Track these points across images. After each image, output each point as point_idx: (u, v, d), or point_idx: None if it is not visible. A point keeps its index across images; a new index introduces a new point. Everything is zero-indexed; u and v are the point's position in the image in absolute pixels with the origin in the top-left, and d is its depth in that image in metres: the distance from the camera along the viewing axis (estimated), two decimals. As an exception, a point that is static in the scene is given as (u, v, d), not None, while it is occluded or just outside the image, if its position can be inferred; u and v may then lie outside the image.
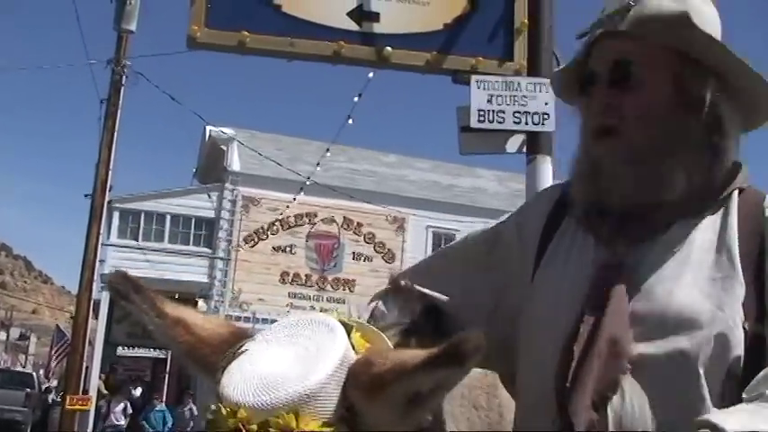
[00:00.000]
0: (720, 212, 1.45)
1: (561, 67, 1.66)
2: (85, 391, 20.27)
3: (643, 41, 1.46)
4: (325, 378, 1.29)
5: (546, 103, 5.98)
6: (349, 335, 1.38)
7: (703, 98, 1.44)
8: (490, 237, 1.73)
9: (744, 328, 1.33)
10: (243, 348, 1.41)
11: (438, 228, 25.99)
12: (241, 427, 1.25)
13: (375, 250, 25.33)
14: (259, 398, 1.27)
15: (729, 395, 1.30)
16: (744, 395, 1.26)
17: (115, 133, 19.27)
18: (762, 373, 1.27)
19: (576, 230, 1.55)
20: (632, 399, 1.36)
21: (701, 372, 1.31)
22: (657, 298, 1.38)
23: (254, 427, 1.25)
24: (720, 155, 1.46)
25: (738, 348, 1.32)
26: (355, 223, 25.09)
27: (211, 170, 26.59)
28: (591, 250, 1.49)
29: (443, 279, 1.69)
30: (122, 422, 14.92)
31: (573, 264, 1.52)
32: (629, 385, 1.35)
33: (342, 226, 24.97)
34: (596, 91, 1.49)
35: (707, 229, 1.43)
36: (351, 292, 24.07)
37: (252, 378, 1.32)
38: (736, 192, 1.47)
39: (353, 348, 1.36)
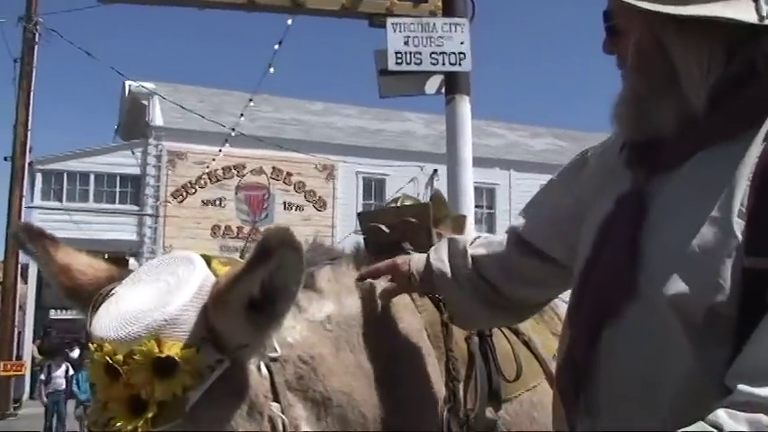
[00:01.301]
0: (749, 140, 1.35)
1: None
2: (19, 357, 19.95)
3: None
4: (183, 305, 1.39)
5: (462, 43, 6.05)
6: (209, 265, 1.48)
7: (666, 45, 1.41)
8: (578, 162, 1.85)
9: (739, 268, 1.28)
10: (112, 290, 1.51)
11: (368, 173, 26.04)
12: (107, 359, 1.34)
13: (306, 199, 25.27)
14: (121, 331, 1.36)
15: (714, 335, 1.29)
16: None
17: (31, 93, 18.67)
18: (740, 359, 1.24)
19: (621, 166, 1.58)
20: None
21: (688, 312, 1.31)
22: (662, 235, 1.38)
23: (120, 357, 1.34)
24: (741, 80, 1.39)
25: (726, 290, 1.28)
26: (285, 173, 24.94)
27: (134, 126, 25.99)
28: (625, 183, 1.52)
29: (537, 212, 1.93)
30: (65, 386, 14.75)
31: (607, 196, 1.55)
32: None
33: (271, 176, 24.79)
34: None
35: (729, 158, 1.35)
36: (284, 241, 23.91)
37: (116, 315, 1.41)
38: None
39: (215, 276, 1.45)
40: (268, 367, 1.57)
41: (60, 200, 23.19)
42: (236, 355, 1.43)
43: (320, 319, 1.83)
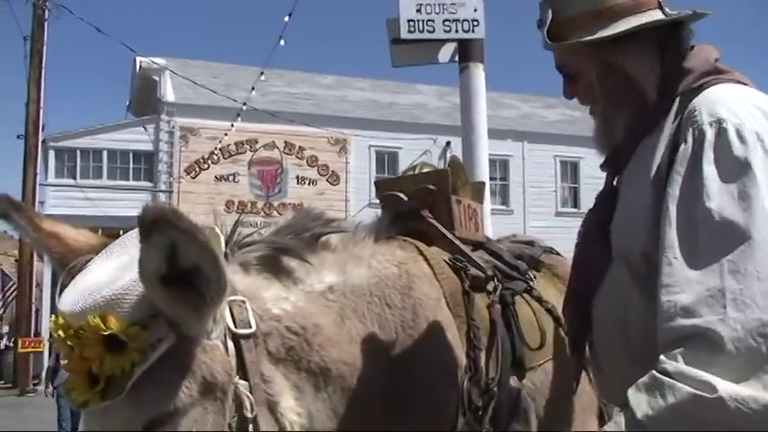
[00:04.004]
0: (664, 123, 1.64)
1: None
2: (37, 333, 20.14)
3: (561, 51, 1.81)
4: (130, 282, 1.40)
5: (475, 10, 5.96)
6: None
7: (621, 65, 1.73)
8: None
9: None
10: (87, 263, 1.53)
11: (381, 147, 25.96)
12: (60, 332, 1.39)
13: (319, 173, 25.24)
14: (73, 306, 1.40)
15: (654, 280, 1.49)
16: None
17: (42, 71, 18.70)
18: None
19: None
20: None
21: (631, 261, 1.63)
22: (618, 211, 1.71)
23: (71, 331, 1.38)
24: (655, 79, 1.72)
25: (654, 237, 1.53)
26: (297, 147, 24.89)
27: (145, 102, 25.98)
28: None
29: None
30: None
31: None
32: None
33: (284, 151, 24.74)
34: None
35: (656, 139, 1.63)
36: (298, 216, 23.94)
37: (76, 289, 1.44)
38: (677, 100, 1.66)
39: None
40: (237, 344, 1.55)
41: (74, 177, 23.26)
42: (184, 333, 1.43)
43: (320, 290, 1.81)
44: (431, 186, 2.38)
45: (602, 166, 1.84)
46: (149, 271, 1.36)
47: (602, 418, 2.53)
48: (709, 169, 1.45)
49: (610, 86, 1.74)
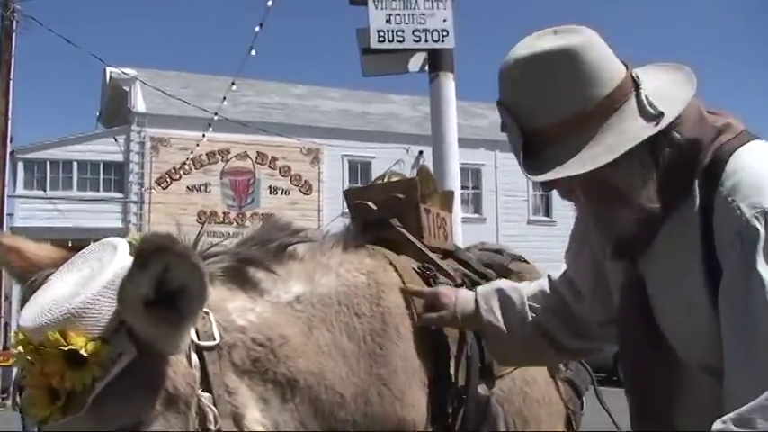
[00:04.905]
0: (689, 203, 1.54)
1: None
2: (6, 348, 19.83)
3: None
4: (92, 296, 1.40)
5: (444, 20, 6.00)
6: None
7: (607, 178, 1.55)
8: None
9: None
10: (48, 277, 1.53)
11: (353, 156, 25.96)
12: (20, 348, 1.39)
13: (291, 183, 25.16)
14: (33, 321, 1.39)
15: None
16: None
17: (11, 82, 18.45)
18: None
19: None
20: None
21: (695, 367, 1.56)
22: (663, 313, 1.60)
23: (31, 347, 1.37)
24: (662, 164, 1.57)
25: (713, 349, 1.47)
26: (269, 157, 24.81)
27: (116, 113, 25.75)
28: (620, 274, 1.73)
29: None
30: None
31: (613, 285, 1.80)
32: None
33: (256, 161, 24.65)
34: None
35: (682, 224, 1.55)
36: (270, 226, 23.85)
37: (36, 304, 1.43)
38: (695, 182, 1.54)
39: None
40: (200, 356, 1.54)
41: (44, 189, 22.98)
42: (148, 348, 1.42)
43: (287, 300, 1.79)
44: (399, 195, 2.38)
45: (614, 255, 1.72)
46: (135, 296, 1.35)
47: (570, 426, 2.55)
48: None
49: (597, 197, 1.60)
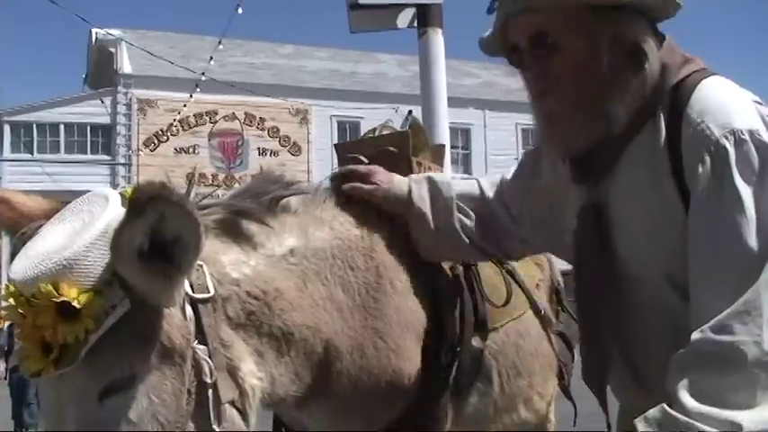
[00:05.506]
0: (655, 124, 1.57)
1: (485, 35, 1.77)
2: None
3: (547, 11, 1.58)
4: (84, 248, 1.37)
5: (434, -26, 5.91)
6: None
7: (619, 36, 1.56)
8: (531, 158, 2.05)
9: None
10: (38, 229, 1.50)
11: (342, 116, 25.85)
12: (11, 301, 1.36)
13: (280, 144, 25.08)
14: (25, 273, 1.36)
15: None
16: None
17: (-6, 42, 18.22)
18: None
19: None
20: None
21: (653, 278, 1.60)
22: (622, 229, 1.63)
23: (23, 299, 1.35)
24: (645, 72, 1.58)
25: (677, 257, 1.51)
26: (258, 118, 24.68)
27: (102, 74, 25.49)
28: (580, 198, 1.72)
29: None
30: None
31: (572, 208, 1.76)
32: None
33: (244, 122, 24.53)
34: (524, 59, 1.65)
35: (645, 148, 1.58)
36: (260, 188, 23.82)
37: (27, 256, 1.41)
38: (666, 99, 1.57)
39: None
40: (195, 308, 1.52)
41: (31, 152, 22.83)
42: (142, 300, 1.40)
43: (281, 254, 1.77)
44: (391, 148, 2.36)
45: (575, 178, 1.72)
46: (129, 247, 1.32)
47: (562, 378, 2.57)
48: (740, 184, 1.42)
49: (608, 66, 1.56)
